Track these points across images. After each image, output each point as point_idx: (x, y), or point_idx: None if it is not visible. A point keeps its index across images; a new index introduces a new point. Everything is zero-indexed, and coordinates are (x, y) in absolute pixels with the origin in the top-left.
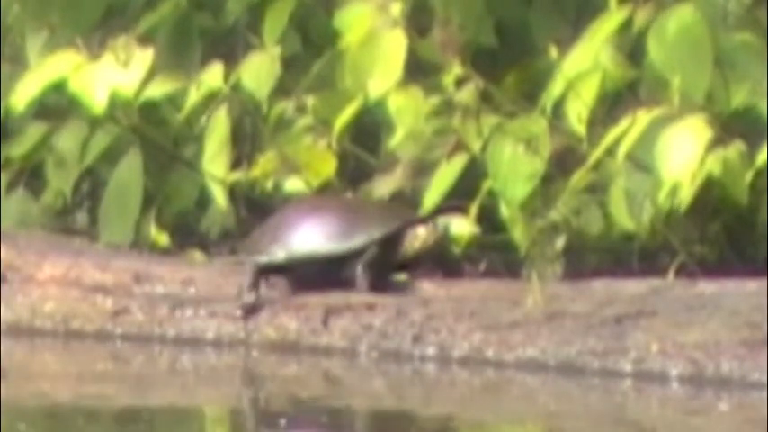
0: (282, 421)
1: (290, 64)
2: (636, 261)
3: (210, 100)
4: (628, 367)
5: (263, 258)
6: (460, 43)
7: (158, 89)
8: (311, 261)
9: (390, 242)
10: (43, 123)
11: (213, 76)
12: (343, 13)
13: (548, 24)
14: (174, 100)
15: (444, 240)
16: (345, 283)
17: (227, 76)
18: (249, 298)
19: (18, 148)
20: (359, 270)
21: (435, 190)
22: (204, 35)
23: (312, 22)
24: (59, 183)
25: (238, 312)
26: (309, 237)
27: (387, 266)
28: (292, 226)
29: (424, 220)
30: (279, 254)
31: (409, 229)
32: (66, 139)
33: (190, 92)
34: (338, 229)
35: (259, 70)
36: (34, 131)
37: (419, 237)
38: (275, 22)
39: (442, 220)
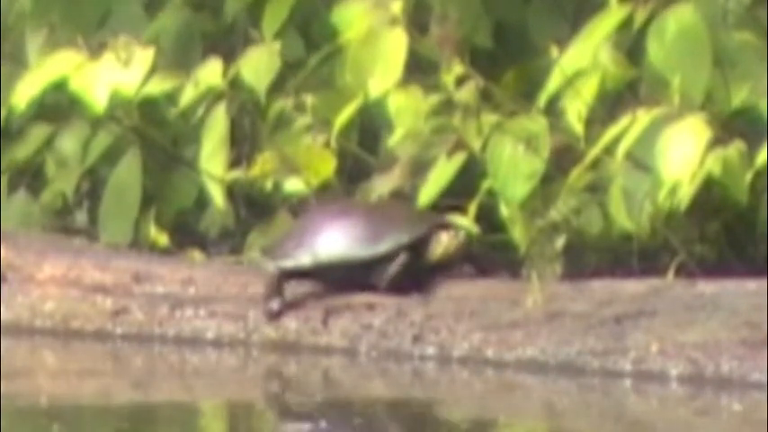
0: (282, 421)
1: (291, 65)
2: (635, 261)
3: (209, 97)
4: (627, 367)
5: (289, 263)
6: (458, 39)
7: (157, 86)
8: (338, 266)
9: (417, 247)
10: (45, 125)
11: (211, 72)
12: (341, 10)
13: (546, 23)
14: (174, 99)
15: (467, 247)
16: (373, 288)
17: (225, 73)
18: (274, 304)
19: (20, 150)
20: (384, 283)
21: (432, 186)
22: (205, 36)
23: (314, 22)
24: (61, 184)
25: (265, 319)
26: (336, 242)
27: (413, 271)
28: (319, 231)
29: (450, 225)
30: (304, 259)
31: (434, 234)
32: (68, 141)
33: (187, 88)
34: (366, 234)
35: (258, 64)
36: (36, 133)
37: (441, 243)
38: (275, 16)
39: (462, 226)
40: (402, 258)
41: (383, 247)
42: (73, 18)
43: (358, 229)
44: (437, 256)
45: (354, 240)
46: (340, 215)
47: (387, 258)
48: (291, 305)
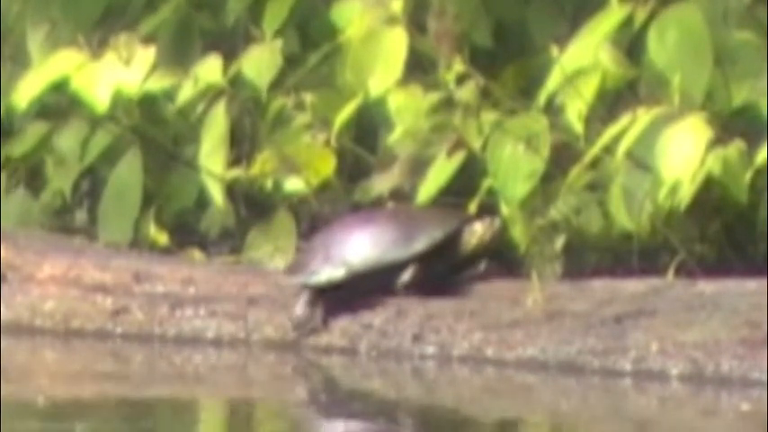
0: (282, 421)
1: (289, 62)
2: (636, 260)
3: (208, 94)
4: (628, 366)
5: (322, 278)
6: (456, 35)
7: (156, 83)
8: (374, 272)
9: (446, 244)
10: (44, 123)
11: (211, 70)
12: (340, 8)
13: (546, 22)
14: (174, 97)
15: (501, 236)
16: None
17: (225, 71)
18: (303, 318)
19: (19, 148)
20: (400, 290)
21: (431, 185)
22: (205, 35)
23: (313, 20)
24: (59, 182)
25: (292, 331)
26: (369, 247)
27: (445, 268)
28: (347, 240)
29: (479, 217)
30: (337, 272)
31: (465, 226)
32: (67, 139)
33: (185, 86)
34: (398, 235)
35: (260, 61)
36: (35, 131)
37: (476, 233)
38: (276, 14)
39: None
40: (413, 268)
41: (419, 245)
42: (73, 14)
43: (389, 232)
44: (472, 246)
45: (388, 243)
46: (366, 222)
47: (422, 257)
48: (291, 305)
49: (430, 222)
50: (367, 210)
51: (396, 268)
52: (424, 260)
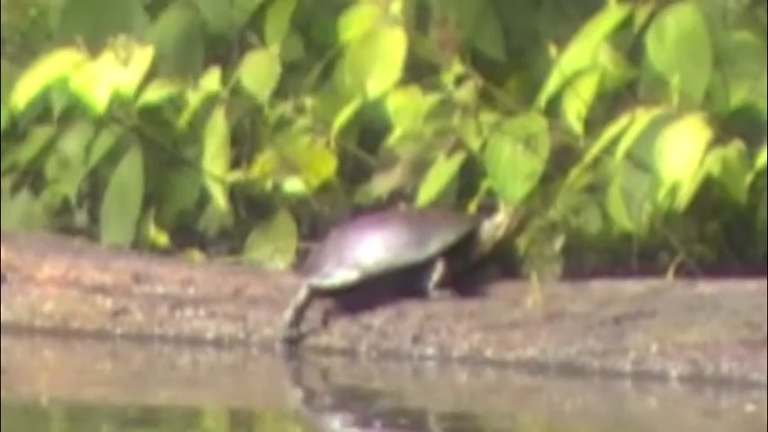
0: (282, 421)
1: (292, 67)
2: (635, 261)
3: (210, 103)
4: (627, 367)
5: (336, 281)
6: (458, 41)
7: (157, 92)
8: (385, 276)
9: (461, 246)
10: (48, 127)
11: (211, 80)
12: (346, 17)
13: (550, 24)
14: (175, 101)
15: (525, 224)
16: (419, 294)
17: (225, 80)
18: (291, 332)
19: (24, 152)
20: (432, 292)
21: (431, 186)
22: (206, 37)
23: (314, 25)
24: (64, 185)
25: (277, 344)
26: (383, 250)
27: (463, 269)
28: (360, 243)
29: (489, 215)
30: (351, 274)
31: (484, 223)
32: (71, 142)
33: (189, 97)
34: (411, 239)
35: (259, 71)
36: (39, 135)
37: (501, 224)
38: (277, 23)
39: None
40: (440, 267)
41: (432, 248)
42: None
43: (403, 235)
44: (498, 237)
45: (401, 246)
46: (378, 226)
47: (435, 261)
48: (291, 305)
49: (443, 225)
50: (380, 212)
51: (406, 273)
52: (448, 257)
